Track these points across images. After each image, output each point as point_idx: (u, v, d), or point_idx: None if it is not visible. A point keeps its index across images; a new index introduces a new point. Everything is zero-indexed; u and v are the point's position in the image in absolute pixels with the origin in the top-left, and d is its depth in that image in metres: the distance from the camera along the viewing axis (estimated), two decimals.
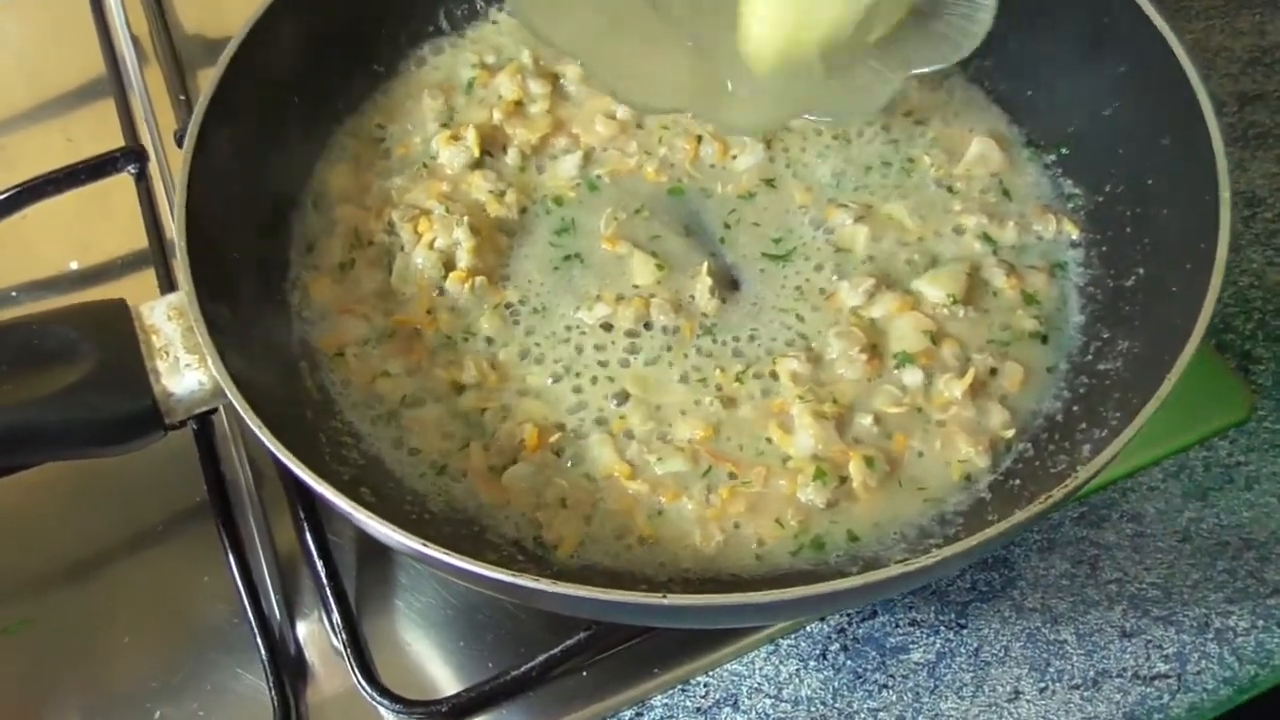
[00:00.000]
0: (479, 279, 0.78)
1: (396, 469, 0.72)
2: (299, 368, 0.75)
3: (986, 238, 0.79)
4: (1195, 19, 1.05)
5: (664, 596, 0.60)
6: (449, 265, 0.78)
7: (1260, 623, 0.74)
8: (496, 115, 0.85)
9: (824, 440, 0.70)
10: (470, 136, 0.83)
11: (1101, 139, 0.80)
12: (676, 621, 0.69)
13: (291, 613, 0.76)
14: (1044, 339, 0.75)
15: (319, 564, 0.75)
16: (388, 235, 0.80)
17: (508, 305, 0.78)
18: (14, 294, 0.92)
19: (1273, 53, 1.01)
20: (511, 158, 0.84)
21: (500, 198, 0.81)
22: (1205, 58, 1.02)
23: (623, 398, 0.74)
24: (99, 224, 0.94)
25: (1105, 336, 0.74)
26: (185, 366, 0.67)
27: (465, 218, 0.79)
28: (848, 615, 0.75)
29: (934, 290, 0.76)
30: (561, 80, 0.88)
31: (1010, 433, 0.71)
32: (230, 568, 0.75)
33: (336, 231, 0.81)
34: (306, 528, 0.76)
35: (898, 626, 0.75)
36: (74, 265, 0.93)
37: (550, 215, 0.81)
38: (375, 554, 0.77)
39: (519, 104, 0.86)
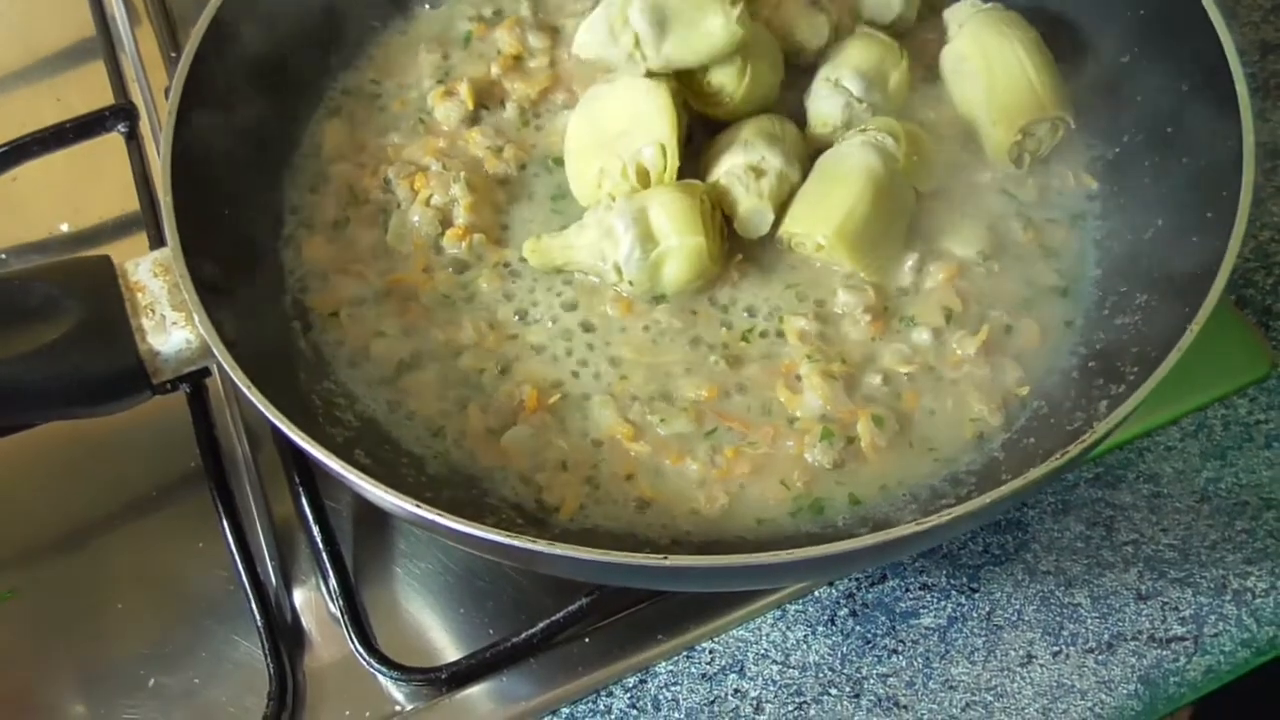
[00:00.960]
0: (477, 236, 0.76)
1: (393, 431, 0.71)
2: (292, 328, 0.74)
3: (1005, 192, 0.76)
4: None
5: (665, 558, 0.59)
6: (446, 223, 0.76)
7: (1279, 584, 0.72)
8: (494, 69, 0.83)
9: (832, 400, 0.69)
10: (464, 91, 0.81)
11: (1119, 87, 0.78)
12: (679, 584, 0.69)
13: (288, 580, 0.75)
14: (1064, 292, 0.73)
15: (315, 530, 0.74)
16: (383, 193, 0.79)
17: (506, 264, 0.76)
18: (2, 256, 0.90)
19: None
20: (510, 113, 0.82)
21: (498, 153, 0.79)
22: (1226, 4, 0.98)
23: (623, 359, 0.72)
24: (90, 185, 0.93)
25: (1123, 290, 0.72)
26: (171, 324, 0.66)
27: (462, 174, 0.77)
28: (856, 580, 0.73)
29: (964, 249, 0.74)
30: (561, 34, 0.85)
31: (1025, 390, 0.69)
32: (225, 534, 0.74)
33: (330, 189, 0.79)
34: (302, 493, 0.75)
35: (908, 591, 0.73)
36: (64, 227, 0.91)
37: (550, 175, 0.79)
38: (373, 520, 0.76)
39: (518, 58, 0.84)
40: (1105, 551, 0.74)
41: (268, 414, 0.61)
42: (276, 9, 0.79)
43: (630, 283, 0.72)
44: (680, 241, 0.70)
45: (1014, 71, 0.76)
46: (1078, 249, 0.75)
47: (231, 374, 0.62)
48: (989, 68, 0.76)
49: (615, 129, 0.73)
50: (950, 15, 0.81)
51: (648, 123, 0.72)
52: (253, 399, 0.61)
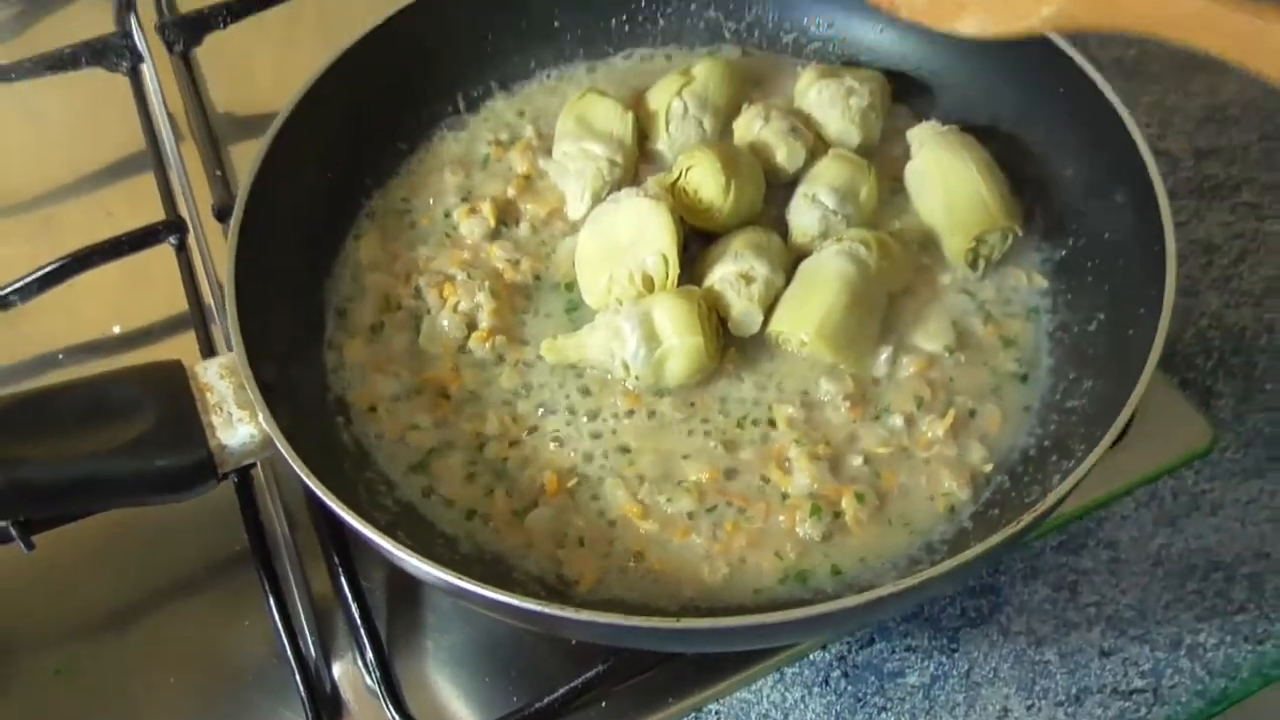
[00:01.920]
0: (499, 338, 0.84)
1: (428, 514, 0.78)
2: (335, 422, 0.82)
3: (966, 291, 0.86)
4: (1152, 82, 1.13)
5: (678, 621, 0.66)
6: (471, 326, 0.85)
7: (1228, 639, 0.80)
8: (510, 190, 0.92)
9: (819, 479, 0.77)
10: (486, 209, 0.90)
11: (1065, 197, 0.87)
12: (689, 645, 0.75)
13: (327, 653, 0.81)
14: (1023, 379, 0.82)
15: (353, 606, 0.79)
16: (414, 299, 0.87)
17: (525, 362, 0.84)
18: (60, 356, 0.97)
19: (1224, 110, 1.09)
20: (524, 229, 0.91)
21: (516, 266, 0.88)
22: (1161, 116, 1.10)
23: (632, 445, 0.80)
24: (139, 291, 1.00)
25: (1072, 376, 0.80)
26: (238, 421, 0.73)
27: (486, 283, 0.86)
28: (847, 643, 0.80)
29: (931, 343, 0.83)
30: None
31: (989, 467, 0.77)
32: (270, 611, 0.80)
33: (367, 297, 0.88)
34: (341, 572, 0.81)
35: (894, 652, 0.80)
36: (116, 329, 0.98)
37: (560, 294, 0.88)
38: (404, 596, 0.82)
39: (528, 178, 0.94)
40: (1071, 612, 0.81)
41: (327, 501, 0.68)
42: (318, 139, 0.89)
43: (637, 377, 0.80)
44: (681, 341, 0.79)
45: (968, 187, 0.85)
46: (1033, 340, 0.83)
47: (293, 464, 0.69)
48: (946, 183, 0.86)
49: (622, 241, 0.83)
50: (912, 135, 0.91)
51: (651, 236, 0.82)
52: (312, 486, 0.69)
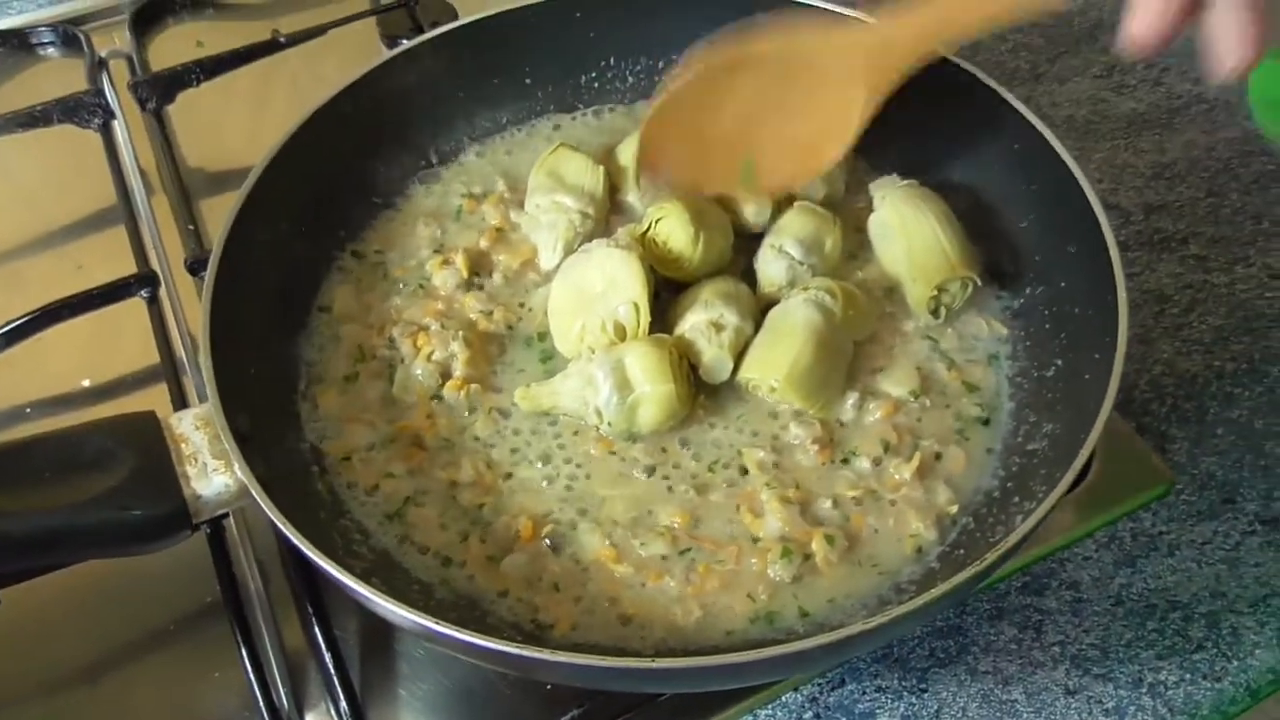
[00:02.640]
0: (473, 386, 0.85)
1: (403, 561, 0.79)
2: (310, 471, 0.82)
3: (929, 338, 0.88)
4: (1103, 140, 1.17)
5: (653, 660, 0.67)
6: (445, 375, 0.86)
7: (1188, 676, 0.82)
8: (483, 242, 0.94)
9: (789, 522, 0.78)
10: (459, 260, 0.92)
11: (1020, 248, 0.91)
12: (663, 685, 0.75)
13: (300, 704, 0.81)
14: (985, 422, 0.84)
15: (326, 656, 0.79)
16: (388, 349, 0.88)
17: (500, 409, 0.85)
18: (28, 410, 0.97)
19: (1172, 167, 1.14)
20: (497, 280, 0.93)
21: (489, 316, 0.90)
22: (1113, 173, 1.14)
23: (605, 491, 0.81)
24: (109, 344, 1.00)
25: (1032, 420, 0.83)
26: (213, 471, 0.73)
27: (460, 332, 0.87)
28: (819, 684, 0.81)
29: (897, 388, 0.85)
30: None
31: (955, 508, 0.79)
32: (242, 662, 0.79)
33: (341, 348, 0.89)
34: (314, 622, 0.81)
35: (865, 693, 0.81)
36: (86, 383, 0.98)
37: (534, 345, 0.89)
38: (378, 646, 0.82)
39: (501, 229, 0.96)
40: (1036, 652, 0.83)
41: (304, 550, 0.68)
42: (292, 193, 0.90)
43: (609, 424, 0.82)
44: (653, 389, 0.80)
45: (928, 238, 0.88)
46: (994, 385, 0.86)
47: (269, 513, 0.70)
48: (908, 234, 0.89)
49: (594, 291, 0.85)
50: (875, 188, 0.94)
51: (622, 285, 0.84)
52: (289, 535, 0.69)
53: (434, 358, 0.86)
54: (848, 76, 0.80)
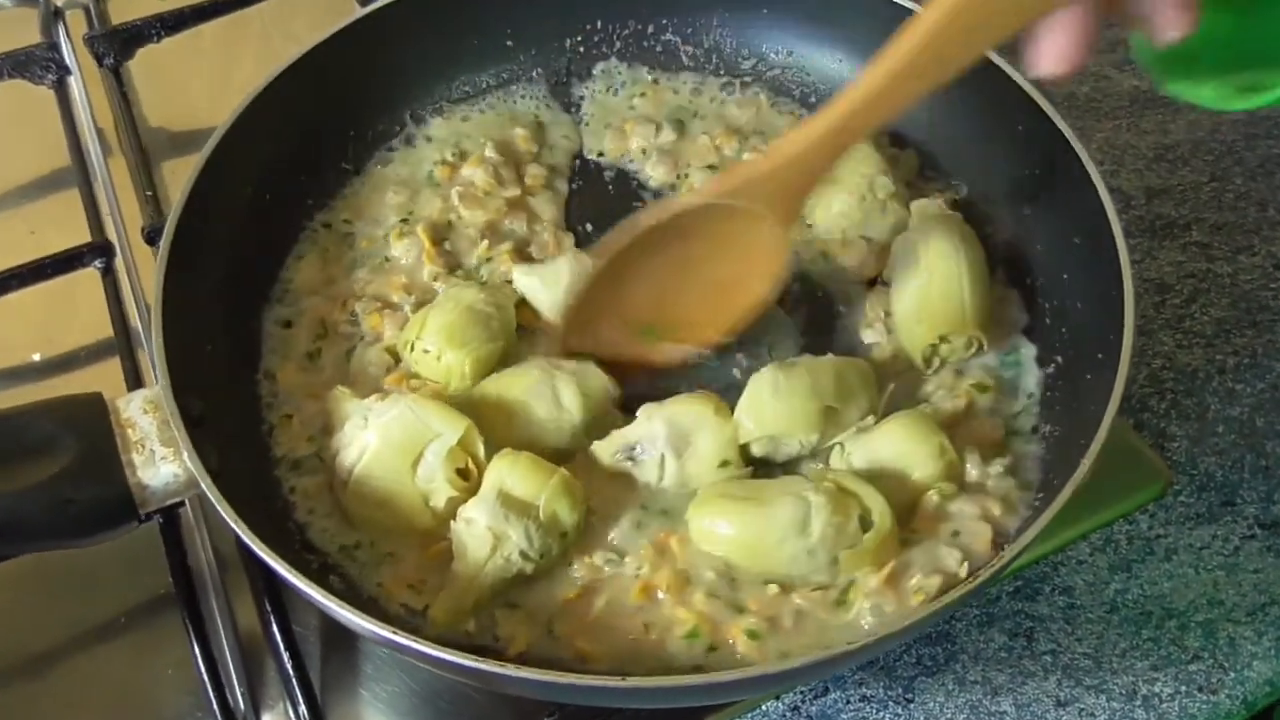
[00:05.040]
0: None
1: (361, 557, 0.74)
2: (268, 459, 0.78)
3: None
4: (1104, 119, 1.13)
5: (623, 679, 0.63)
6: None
7: (1183, 688, 0.79)
8: (463, 211, 0.89)
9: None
10: (420, 231, 0.87)
11: (1021, 236, 0.86)
12: (636, 703, 0.72)
13: (256, 704, 0.77)
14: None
15: (284, 655, 0.75)
16: (351, 325, 0.84)
17: None
18: None
19: (1175, 149, 1.10)
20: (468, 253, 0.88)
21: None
22: (1114, 154, 1.11)
23: None
24: (62, 316, 0.95)
25: (1031, 421, 0.79)
26: (160, 459, 0.69)
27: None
28: (801, 693, 0.78)
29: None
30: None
31: None
32: (195, 659, 0.75)
33: (303, 322, 0.84)
34: (272, 618, 0.77)
35: (849, 703, 0.78)
36: (36, 357, 0.93)
37: None
38: (340, 643, 0.79)
39: (488, 194, 0.90)
40: (1026, 661, 0.80)
41: (252, 545, 0.64)
42: (257, 158, 0.85)
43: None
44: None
45: (951, 283, 0.80)
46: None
47: (218, 506, 0.66)
48: (931, 271, 0.81)
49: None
50: (916, 207, 0.87)
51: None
52: (237, 530, 0.65)
53: (388, 338, 0.82)
54: (756, 217, 0.76)
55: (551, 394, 0.76)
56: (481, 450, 0.74)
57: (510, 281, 0.85)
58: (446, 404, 0.74)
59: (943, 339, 0.80)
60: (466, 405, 0.76)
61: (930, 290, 0.81)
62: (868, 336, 0.84)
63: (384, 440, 0.73)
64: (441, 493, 0.73)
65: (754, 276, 0.79)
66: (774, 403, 0.73)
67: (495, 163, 0.91)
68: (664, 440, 0.74)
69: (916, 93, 0.69)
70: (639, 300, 0.79)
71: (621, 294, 0.79)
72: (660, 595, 0.71)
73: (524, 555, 0.70)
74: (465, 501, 0.72)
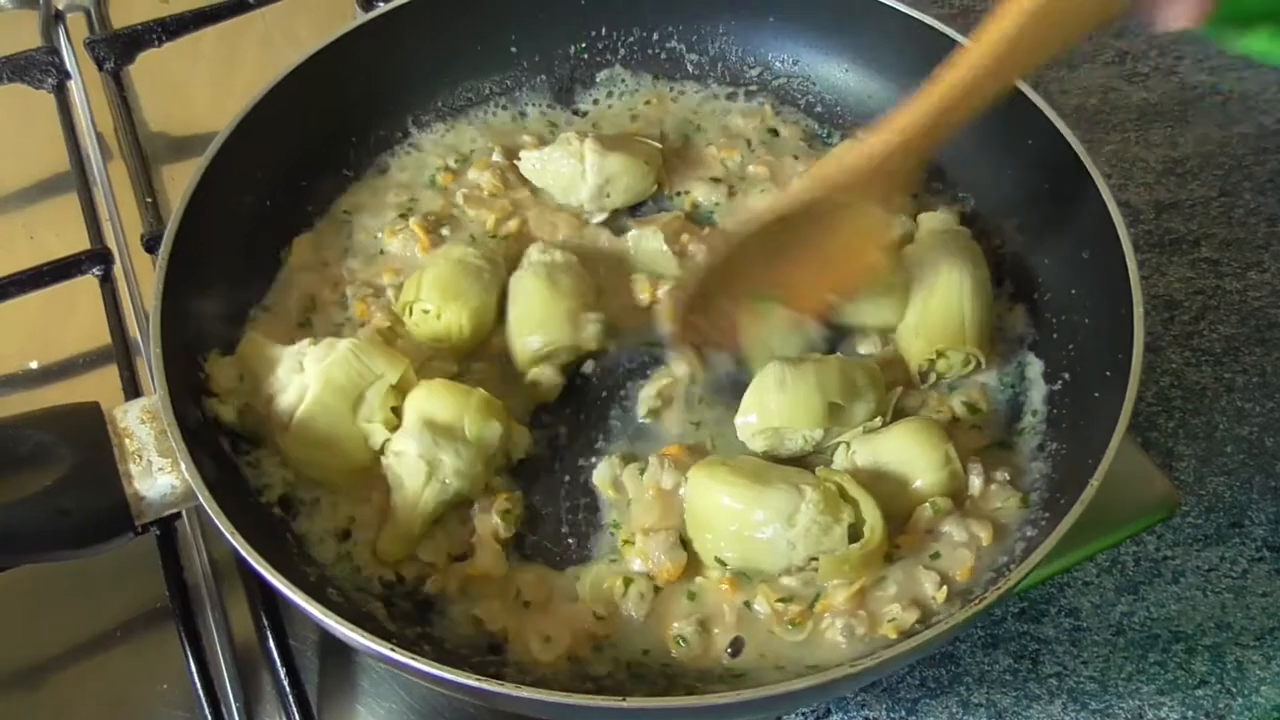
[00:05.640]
0: None
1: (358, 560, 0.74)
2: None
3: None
4: (1112, 132, 1.12)
5: (623, 700, 0.62)
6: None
7: (1190, 714, 0.78)
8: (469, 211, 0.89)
9: None
10: (414, 224, 0.87)
11: (1029, 249, 0.85)
12: None
13: (252, 719, 0.76)
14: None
15: (281, 670, 0.74)
16: (341, 310, 0.84)
17: None
18: None
19: (1184, 163, 1.09)
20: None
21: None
22: (1123, 168, 1.10)
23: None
24: (60, 323, 0.94)
25: (1036, 439, 0.78)
26: (158, 470, 0.68)
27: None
28: (803, 715, 0.77)
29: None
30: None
31: None
32: (191, 673, 0.75)
33: (294, 295, 0.85)
34: (269, 633, 0.76)
35: None
36: (33, 365, 0.92)
37: None
38: (337, 657, 0.78)
39: (494, 195, 0.90)
40: (1032, 684, 0.79)
41: (249, 559, 0.63)
42: (258, 165, 0.85)
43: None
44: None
45: (952, 300, 0.80)
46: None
47: (214, 518, 0.65)
48: (933, 285, 0.80)
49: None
50: (923, 220, 0.86)
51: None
52: (233, 542, 0.64)
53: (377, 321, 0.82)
54: (862, 198, 0.75)
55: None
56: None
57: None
58: (386, 345, 0.76)
59: (940, 354, 0.80)
60: None
61: (930, 304, 0.80)
62: (863, 348, 0.83)
63: (325, 383, 0.73)
64: (378, 433, 0.74)
65: (864, 249, 0.78)
66: (779, 395, 0.73)
67: (502, 166, 0.91)
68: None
69: (1020, 68, 0.70)
70: (749, 280, 0.79)
71: (733, 279, 0.79)
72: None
73: (458, 474, 0.73)
74: None
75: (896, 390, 0.78)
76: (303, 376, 0.74)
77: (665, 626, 0.70)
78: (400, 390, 0.75)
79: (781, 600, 0.69)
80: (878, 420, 0.75)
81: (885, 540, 0.69)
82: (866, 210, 0.76)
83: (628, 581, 0.71)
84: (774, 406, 0.74)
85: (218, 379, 0.76)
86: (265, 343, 0.77)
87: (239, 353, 0.78)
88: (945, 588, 0.69)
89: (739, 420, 0.75)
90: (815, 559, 0.69)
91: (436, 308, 0.79)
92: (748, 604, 0.70)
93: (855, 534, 0.69)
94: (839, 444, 0.75)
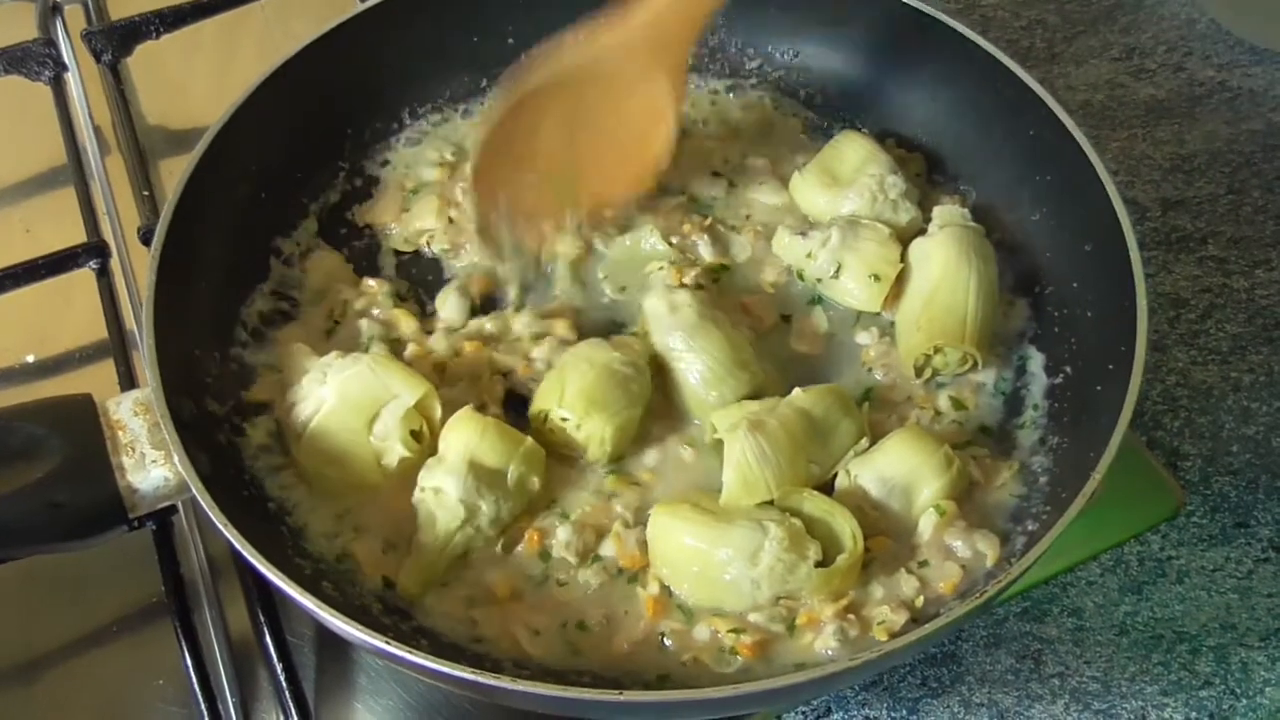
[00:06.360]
0: None
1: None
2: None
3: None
4: (1119, 128, 1.11)
5: (619, 693, 0.62)
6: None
7: (1193, 715, 0.77)
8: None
9: None
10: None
11: (1031, 242, 0.84)
12: (631, 716, 0.70)
13: (248, 715, 0.75)
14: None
15: (277, 665, 0.74)
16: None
17: None
18: None
19: (1192, 160, 1.08)
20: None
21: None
22: (1129, 165, 1.09)
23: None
24: (57, 316, 0.94)
25: (1038, 432, 0.77)
26: (151, 463, 0.68)
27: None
28: (803, 713, 0.76)
29: None
30: None
31: None
32: (187, 668, 0.74)
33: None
34: (266, 629, 0.75)
35: None
36: (30, 358, 0.92)
37: None
38: (334, 654, 0.77)
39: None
40: (1034, 684, 0.78)
41: (244, 551, 0.63)
42: (252, 156, 0.84)
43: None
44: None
45: (957, 296, 0.78)
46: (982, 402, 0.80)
47: (208, 510, 0.64)
48: (938, 279, 0.79)
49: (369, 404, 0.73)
50: (937, 212, 0.84)
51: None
52: (227, 534, 0.63)
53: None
54: (643, 69, 0.78)
55: None
56: (439, 414, 0.73)
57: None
58: (406, 365, 0.74)
59: (937, 350, 0.78)
60: None
61: (934, 299, 0.79)
62: (861, 337, 0.82)
63: (341, 397, 0.72)
64: (395, 452, 0.73)
65: (654, 130, 0.81)
66: (764, 469, 0.70)
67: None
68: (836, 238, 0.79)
69: None
70: (542, 150, 0.81)
71: (525, 144, 0.80)
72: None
73: (492, 524, 0.71)
74: (417, 461, 0.72)
75: (864, 406, 0.77)
76: (322, 388, 0.73)
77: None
78: (423, 414, 0.73)
79: (734, 631, 0.67)
80: (864, 442, 0.74)
81: (862, 552, 0.68)
82: (649, 88, 0.78)
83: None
84: (761, 485, 0.70)
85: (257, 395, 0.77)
86: (304, 350, 0.77)
87: (279, 361, 0.78)
88: (923, 597, 0.68)
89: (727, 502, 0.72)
90: (782, 599, 0.67)
91: (578, 417, 0.73)
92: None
93: (831, 554, 0.68)
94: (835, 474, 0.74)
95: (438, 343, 0.80)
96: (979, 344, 0.78)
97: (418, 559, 0.71)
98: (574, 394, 0.73)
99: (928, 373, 0.79)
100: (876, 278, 0.80)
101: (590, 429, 0.73)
